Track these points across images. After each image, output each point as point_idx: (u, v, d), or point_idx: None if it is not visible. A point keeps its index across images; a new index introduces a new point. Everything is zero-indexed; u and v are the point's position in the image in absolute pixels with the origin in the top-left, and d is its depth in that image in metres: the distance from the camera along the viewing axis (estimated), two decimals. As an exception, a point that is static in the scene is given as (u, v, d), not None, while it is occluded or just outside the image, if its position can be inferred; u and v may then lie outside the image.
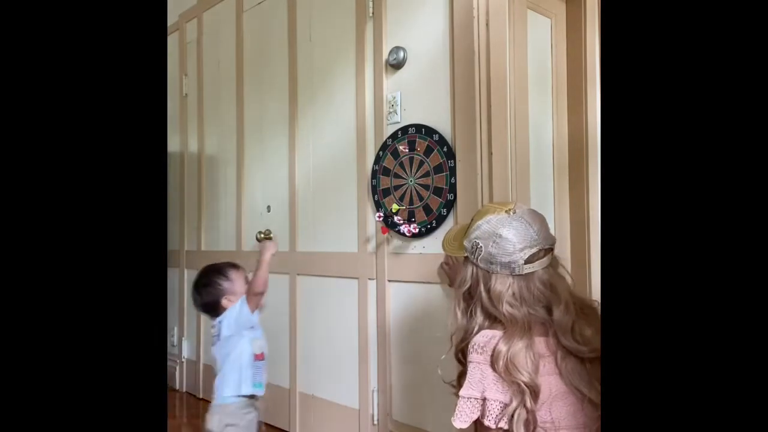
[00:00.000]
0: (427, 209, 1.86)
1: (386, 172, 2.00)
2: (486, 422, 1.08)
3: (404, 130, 1.94)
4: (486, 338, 1.11)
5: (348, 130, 2.17)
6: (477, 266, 1.17)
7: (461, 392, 1.11)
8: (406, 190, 1.93)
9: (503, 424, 1.06)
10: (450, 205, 1.79)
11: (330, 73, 2.27)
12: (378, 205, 2.02)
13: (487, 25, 1.73)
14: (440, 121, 1.84)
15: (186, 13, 3.18)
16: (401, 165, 1.95)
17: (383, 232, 1.98)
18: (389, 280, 2.00)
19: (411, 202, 1.91)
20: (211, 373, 2.93)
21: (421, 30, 1.91)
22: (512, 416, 1.05)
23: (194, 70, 3.11)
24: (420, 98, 1.91)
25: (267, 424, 2.52)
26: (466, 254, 1.20)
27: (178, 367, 3.17)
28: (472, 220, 1.22)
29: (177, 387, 3.16)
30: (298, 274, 2.40)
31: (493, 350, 1.08)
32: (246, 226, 2.71)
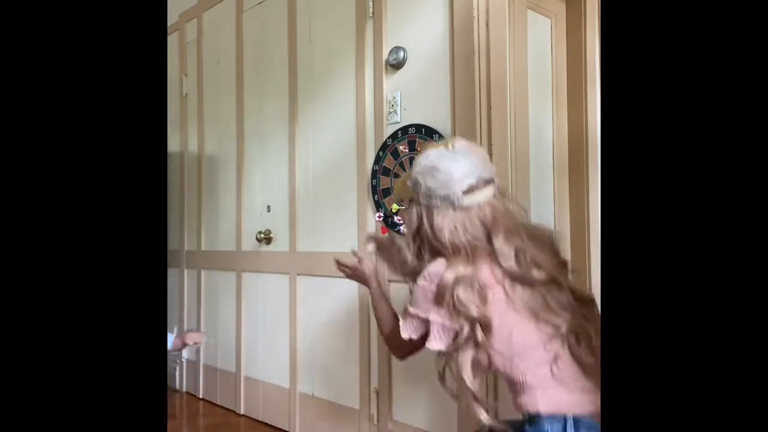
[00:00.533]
0: (427, 209, 1.86)
1: (386, 172, 1.99)
2: (429, 345, 1.12)
3: (404, 130, 1.94)
4: (437, 266, 1.13)
5: (348, 130, 2.17)
6: (420, 205, 1.17)
7: (409, 309, 1.18)
8: (406, 190, 1.93)
9: (441, 347, 1.12)
10: (450, 205, 1.79)
11: (330, 73, 2.27)
12: (378, 205, 2.02)
13: (487, 25, 1.73)
14: (440, 121, 1.84)
15: (186, 13, 3.18)
16: (401, 165, 1.95)
17: (383, 232, 1.98)
18: (389, 280, 2.00)
19: (411, 202, 1.91)
20: (210, 373, 2.93)
21: (421, 30, 1.91)
22: (461, 353, 1.08)
23: (194, 70, 3.11)
24: (420, 98, 1.91)
25: (267, 424, 2.53)
26: (411, 195, 1.20)
27: (178, 367, 3.17)
28: (415, 159, 1.23)
29: (177, 387, 3.16)
30: (298, 274, 2.40)
31: (439, 281, 1.11)
32: (246, 226, 2.70)
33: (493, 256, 1.11)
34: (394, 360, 1.98)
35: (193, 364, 3.06)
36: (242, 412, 2.69)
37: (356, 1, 2.14)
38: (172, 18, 3.23)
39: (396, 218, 1.92)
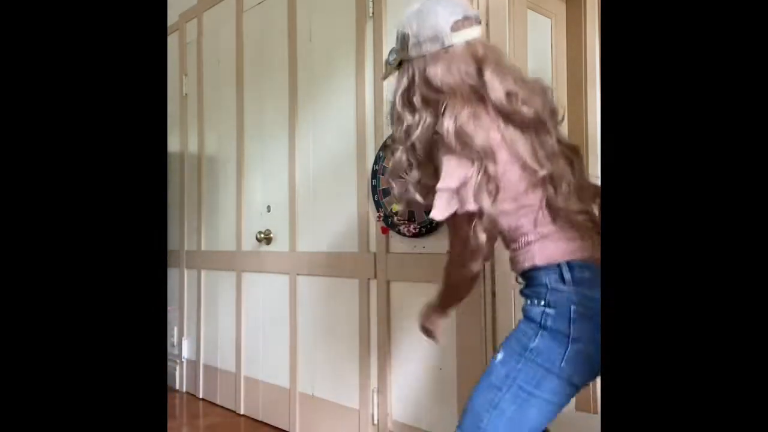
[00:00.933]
0: (427, 209, 1.86)
1: (386, 172, 1.99)
2: (468, 206, 1.04)
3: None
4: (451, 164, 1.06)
5: (348, 130, 2.17)
6: (410, 61, 1.13)
7: (437, 186, 1.05)
8: (406, 190, 1.93)
9: (472, 205, 1.03)
10: (450, 205, 1.79)
11: (330, 73, 2.27)
12: (378, 205, 2.02)
13: (487, 25, 1.73)
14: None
15: (186, 13, 3.18)
16: (401, 165, 1.94)
17: (383, 232, 1.98)
18: (389, 280, 2.00)
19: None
20: (210, 373, 2.93)
21: (421, 30, 1.91)
22: (476, 188, 1.03)
23: (194, 70, 3.11)
24: (420, 98, 1.91)
25: (267, 424, 2.53)
26: (395, 57, 1.16)
27: (178, 367, 3.17)
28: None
29: (177, 387, 3.16)
30: (298, 274, 2.40)
31: (453, 129, 1.04)
32: (246, 226, 2.71)
33: (484, 91, 1.07)
34: (394, 360, 1.98)
35: (193, 364, 3.06)
36: (242, 412, 2.69)
37: (356, 1, 2.13)
38: (172, 18, 3.23)
39: (396, 218, 1.92)
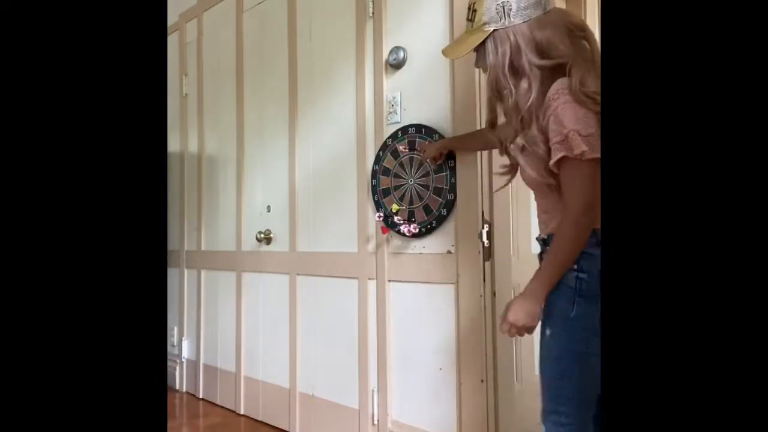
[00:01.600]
0: (427, 209, 1.86)
1: (386, 172, 2.00)
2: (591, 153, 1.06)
3: (404, 130, 1.94)
4: (559, 84, 1.09)
5: (348, 130, 2.17)
6: (511, 28, 1.12)
7: (565, 132, 1.06)
8: (406, 190, 1.93)
9: (596, 152, 1.05)
10: (450, 205, 1.79)
11: (330, 73, 2.27)
12: (378, 205, 2.02)
13: (487, 25, 1.73)
14: (440, 121, 1.84)
15: (186, 13, 3.18)
16: (401, 165, 1.95)
17: (383, 232, 1.98)
18: (389, 280, 2.00)
19: (411, 202, 1.91)
20: (210, 373, 2.93)
21: (421, 30, 1.91)
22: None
23: (194, 70, 3.11)
24: (420, 98, 1.91)
25: (267, 424, 2.53)
26: (491, 28, 1.15)
27: (178, 367, 3.17)
28: (472, 4, 1.18)
29: (177, 387, 3.16)
30: (298, 274, 2.40)
31: (568, 87, 1.07)
32: (246, 226, 2.71)
33: (585, 52, 1.12)
34: (394, 360, 1.99)
35: (193, 364, 3.06)
36: (242, 412, 2.69)
37: (356, 1, 2.13)
38: (172, 18, 3.23)
39: (396, 218, 1.92)
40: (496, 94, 1.18)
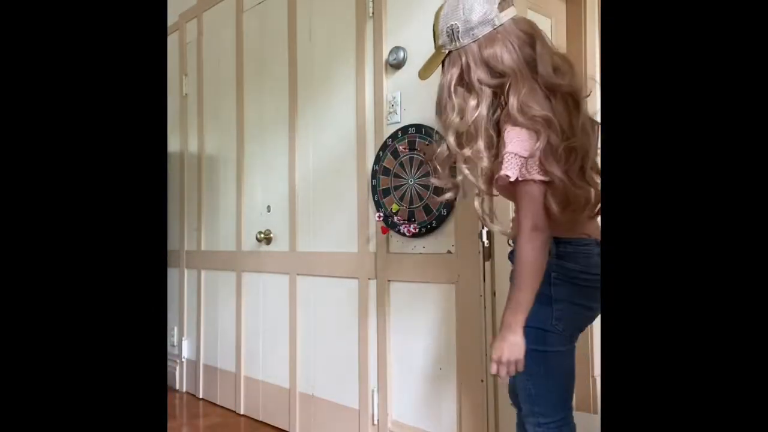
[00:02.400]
0: (427, 209, 1.86)
1: (386, 172, 1.99)
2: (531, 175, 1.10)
3: (404, 130, 1.94)
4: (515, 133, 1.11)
5: (348, 130, 2.17)
6: (462, 49, 1.16)
7: (504, 151, 1.10)
8: (406, 190, 1.93)
9: (537, 174, 1.09)
10: (450, 205, 1.79)
11: (330, 73, 2.27)
12: (378, 205, 2.02)
13: (487, 25, 1.73)
14: (440, 121, 1.84)
15: (186, 13, 3.18)
16: (401, 165, 1.95)
17: (383, 232, 1.98)
18: (389, 280, 2.00)
19: (411, 202, 1.91)
20: (210, 373, 2.93)
21: (421, 30, 1.91)
22: (544, 158, 1.08)
23: (194, 70, 3.11)
24: (420, 98, 1.91)
25: (267, 424, 2.53)
26: (446, 50, 1.20)
27: (178, 367, 3.17)
28: (433, 25, 1.23)
29: (177, 387, 3.16)
30: (298, 274, 2.40)
31: (507, 105, 1.11)
32: (246, 226, 2.71)
33: (535, 64, 1.14)
34: (394, 360, 1.98)
35: (193, 364, 3.06)
36: (242, 412, 2.69)
37: (356, 1, 2.13)
38: (172, 18, 3.23)
39: (396, 218, 1.92)
40: (438, 109, 1.23)
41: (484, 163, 1.14)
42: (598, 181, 1.16)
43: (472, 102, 1.15)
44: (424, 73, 1.28)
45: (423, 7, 1.91)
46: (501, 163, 1.10)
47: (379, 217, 1.98)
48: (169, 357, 3.22)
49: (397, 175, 1.96)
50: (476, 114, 1.15)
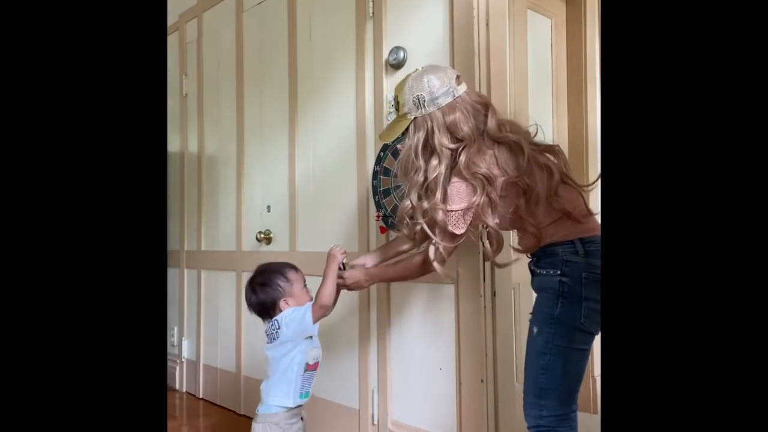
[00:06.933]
0: (427, 209, 1.86)
1: (387, 172, 1.99)
2: (456, 229, 1.33)
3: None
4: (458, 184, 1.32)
5: (348, 130, 2.17)
6: (427, 116, 1.35)
7: (448, 209, 1.32)
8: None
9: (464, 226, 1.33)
10: (450, 205, 1.79)
11: (330, 73, 2.27)
12: (379, 206, 2.02)
13: (487, 25, 1.73)
14: (440, 121, 1.84)
15: (186, 13, 3.18)
16: (401, 165, 1.94)
17: (381, 232, 1.98)
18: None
19: (411, 202, 1.91)
20: (210, 373, 2.93)
21: (421, 30, 1.91)
22: (482, 211, 1.30)
23: (194, 70, 3.11)
24: (420, 98, 1.91)
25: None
26: (412, 116, 1.37)
27: (178, 367, 3.17)
28: (396, 96, 1.43)
29: (177, 387, 3.16)
30: (298, 274, 2.40)
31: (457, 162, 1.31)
32: (246, 226, 2.70)
33: (484, 126, 1.34)
34: (394, 360, 1.98)
35: (193, 364, 3.06)
36: (242, 412, 2.69)
37: (356, 1, 2.13)
38: (172, 18, 3.22)
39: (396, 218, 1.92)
40: (402, 170, 1.41)
41: (439, 216, 1.31)
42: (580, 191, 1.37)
43: (434, 162, 1.34)
44: (387, 135, 1.47)
45: (423, 7, 1.91)
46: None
47: (378, 216, 1.98)
48: (169, 357, 3.22)
49: (397, 176, 1.96)
50: (436, 173, 1.33)
